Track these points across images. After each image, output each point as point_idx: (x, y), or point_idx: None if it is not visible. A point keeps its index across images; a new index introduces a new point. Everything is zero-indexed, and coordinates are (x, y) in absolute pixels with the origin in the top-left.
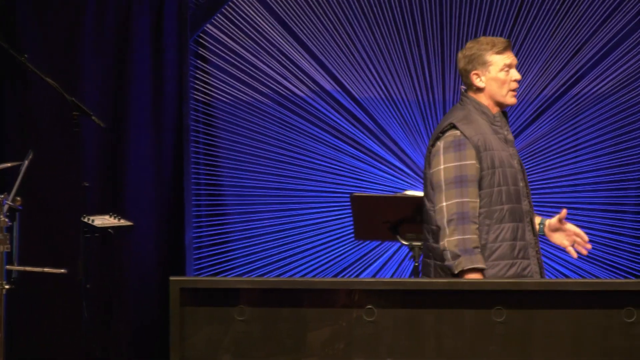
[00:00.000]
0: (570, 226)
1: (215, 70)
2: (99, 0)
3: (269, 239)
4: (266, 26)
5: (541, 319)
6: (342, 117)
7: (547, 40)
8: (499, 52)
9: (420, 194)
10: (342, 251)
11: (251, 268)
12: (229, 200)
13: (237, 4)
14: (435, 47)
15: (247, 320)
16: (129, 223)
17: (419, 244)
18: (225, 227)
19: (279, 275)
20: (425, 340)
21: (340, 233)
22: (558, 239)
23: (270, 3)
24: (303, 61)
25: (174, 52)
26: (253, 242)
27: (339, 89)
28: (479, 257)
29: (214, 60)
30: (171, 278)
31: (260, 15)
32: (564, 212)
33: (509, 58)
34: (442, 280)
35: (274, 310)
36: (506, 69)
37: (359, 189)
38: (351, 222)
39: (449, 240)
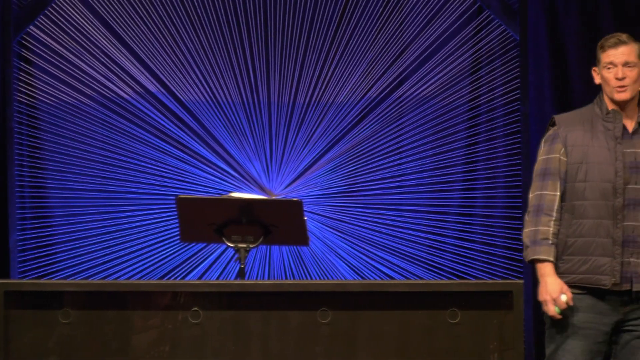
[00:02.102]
0: None
1: (39, 72)
2: None
3: (95, 241)
4: (90, 28)
5: (366, 319)
6: (166, 119)
7: (371, 43)
8: (604, 50)
9: (246, 195)
10: (168, 253)
11: (76, 270)
12: (54, 202)
13: (61, 5)
14: (260, 48)
15: (73, 323)
16: None
17: (244, 245)
18: (50, 229)
19: (104, 278)
20: (251, 342)
21: (165, 235)
22: None
23: (94, 5)
24: (127, 63)
25: None
26: (78, 245)
27: (163, 90)
28: (544, 249)
29: (38, 62)
30: None
31: (83, 17)
32: None
33: (610, 56)
34: (267, 282)
35: (99, 313)
36: (608, 66)
37: (184, 190)
38: (177, 224)
39: (525, 232)
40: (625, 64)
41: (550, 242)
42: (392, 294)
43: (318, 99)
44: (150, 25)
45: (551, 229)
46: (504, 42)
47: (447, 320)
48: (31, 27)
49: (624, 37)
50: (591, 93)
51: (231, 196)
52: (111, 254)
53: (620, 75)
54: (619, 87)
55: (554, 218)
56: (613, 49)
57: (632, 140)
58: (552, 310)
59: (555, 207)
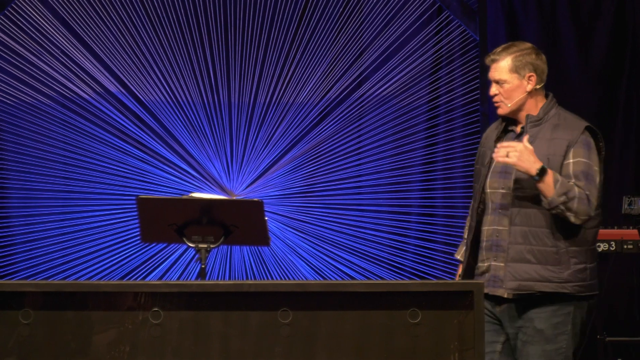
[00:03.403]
0: None
1: None
2: None
3: (54, 241)
4: (49, 28)
5: (327, 319)
6: (127, 119)
7: (331, 43)
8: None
9: (207, 196)
10: (129, 253)
11: (36, 271)
12: (13, 203)
13: (20, 5)
14: (220, 48)
15: (33, 324)
16: None
17: (205, 246)
18: (8, 230)
19: (64, 279)
20: (211, 342)
21: (126, 235)
22: None
23: (53, 4)
24: (87, 63)
25: None
26: (38, 245)
27: (123, 91)
28: (458, 248)
29: None
30: None
31: (43, 16)
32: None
33: (489, 73)
34: (227, 282)
35: (59, 314)
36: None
37: (145, 191)
38: (137, 225)
39: None
40: (497, 82)
41: (464, 241)
42: (352, 294)
43: (278, 99)
44: (110, 26)
45: (466, 229)
46: (463, 42)
47: (408, 320)
48: None
49: (497, 52)
50: (550, 92)
51: (192, 196)
52: (72, 254)
53: (491, 93)
54: (494, 102)
55: (471, 219)
56: (490, 67)
57: None
58: None
59: (473, 208)
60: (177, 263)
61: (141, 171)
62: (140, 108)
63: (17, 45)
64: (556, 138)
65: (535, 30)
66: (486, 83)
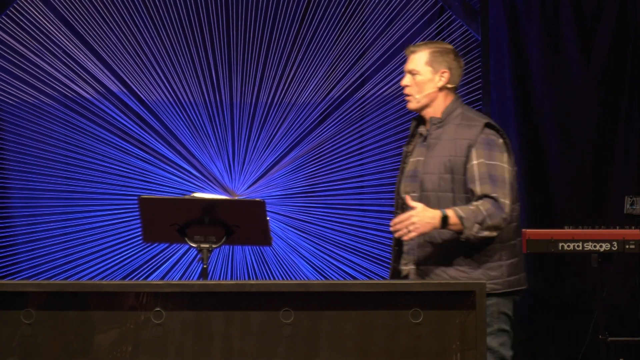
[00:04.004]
0: None
1: (0, 72)
2: None
3: (56, 241)
4: (51, 27)
5: (329, 319)
6: (129, 119)
7: (333, 43)
8: None
9: (209, 196)
10: (131, 253)
11: (39, 271)
12: (15, 203)
13: (22, 5)
14: (222, 48)
15: (35, 324)
16: None
17: (207, 245)
18: (10, 230)
19: (67, 278)
20: (214, 342)
21: (128, 235)
22: None
23: (55, 4)
24: (89, 63)
25: None
26: (39, 245)
27: (125, 90)
28: None
29: None
30: None
31: (45, 16)
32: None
33: (406, 64)
34: (229, 282)
35: (61, 314)
36: None
37: (147, 191)
38: (140, 224)
39: None
40: (409, 72)
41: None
42: (354, 294)
43: (280, 99)
44: (112, 25)
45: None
46: (466, 42)
47: (410, 320)
48: None
49: (418, 45)
50: (552, 93)
51: (194, 196)
52: (74, 254)
53: (401, 83)
54: (405, 96)
55: None
56: (407, 57)
57: (420, 148)
58: None
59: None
60: (179, 263)
61: (143, 171)
62: (142, 108)
63: (18, 45)
64: (458, 138)
65: (537, 32)
66: (489, 83)
